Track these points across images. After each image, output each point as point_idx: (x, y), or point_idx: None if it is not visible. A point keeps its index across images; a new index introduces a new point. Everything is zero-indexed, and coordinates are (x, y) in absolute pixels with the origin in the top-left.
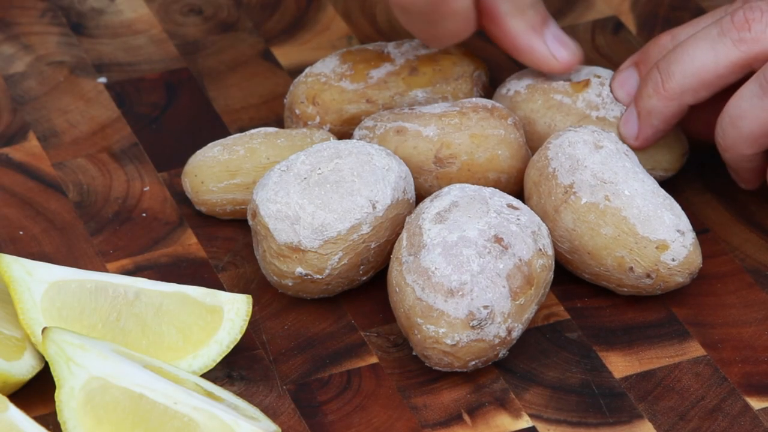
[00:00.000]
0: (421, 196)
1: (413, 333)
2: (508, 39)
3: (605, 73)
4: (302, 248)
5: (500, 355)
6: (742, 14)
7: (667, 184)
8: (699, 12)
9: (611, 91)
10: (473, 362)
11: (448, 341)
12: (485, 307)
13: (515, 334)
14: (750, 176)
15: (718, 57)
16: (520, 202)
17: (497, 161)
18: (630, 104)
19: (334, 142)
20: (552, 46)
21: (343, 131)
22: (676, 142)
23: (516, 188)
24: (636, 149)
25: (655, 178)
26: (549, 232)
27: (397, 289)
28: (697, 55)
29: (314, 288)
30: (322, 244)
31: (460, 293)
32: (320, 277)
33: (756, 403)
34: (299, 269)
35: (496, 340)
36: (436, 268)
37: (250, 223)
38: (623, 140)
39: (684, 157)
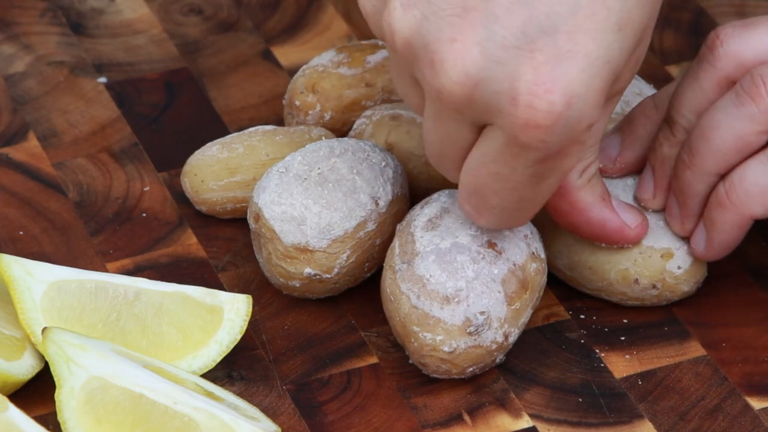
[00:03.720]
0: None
1: (410, 341)
2: (578, 213)
3: None
4: (310, 248)
5: (497, 360)
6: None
7: None
8: (699, 12)
9: None
10: (471, 368)
11: (446, 348)
12: (482, 313)
13: (512, 338)
14: (696, 209)
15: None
16: None
17: None
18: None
19: (327, 141)
20: (623, 215)
21: (344, 119)
22: None
23: None
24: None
25: None
26: (540, 236)
27: (392, 298)
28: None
29: (321, 288)
30: (330, 243)
31: (456, 300)
32: (329, 276)
33: (756, 403)
34: (308, 270)
35: (494, 346)
36: (430, 276)
37: (253, 226)
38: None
39: None
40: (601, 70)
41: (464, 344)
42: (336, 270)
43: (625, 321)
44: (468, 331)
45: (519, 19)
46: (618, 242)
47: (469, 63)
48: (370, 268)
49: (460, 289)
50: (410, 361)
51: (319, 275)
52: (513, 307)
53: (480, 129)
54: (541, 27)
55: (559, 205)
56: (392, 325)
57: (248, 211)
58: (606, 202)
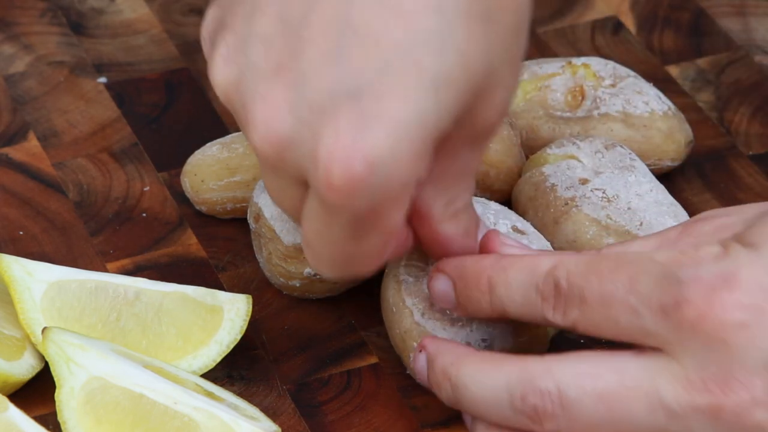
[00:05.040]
0: None
1: (407, 356)
2: (439, 244)
3: (592, 62)
4: None
5: None
6: (531, 400)
7: (668, 183)
8: (699, 12)
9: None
10: None
11: None
12: (483, 340)
13: None
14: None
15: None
16: (527, 223)
17: (488, 154)
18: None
19: None
20: None
21: None
22: (681, 132)
23: (503, 185)
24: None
25: (663, 168)
26: None
27: (394, 309)
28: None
29: (321, 287)
30: None
31: (460, 323)
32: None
33: None
34: (308, 269)
35: None
36: None
37: (253, 226)
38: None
39: (689, 146)
40: (412, 133)
41: None
42: None
43: None
44: None
45: (327, 81)
46: None
47: (278, 123)
48: None
49: None
50: (407, 371)
51: (319, 275)
52: (521, 339)
53: (306, 186)
54: (347, 90)
55: (421, 233)
56: (390, 336)
57: (248, 211)
58: (471, 236)
